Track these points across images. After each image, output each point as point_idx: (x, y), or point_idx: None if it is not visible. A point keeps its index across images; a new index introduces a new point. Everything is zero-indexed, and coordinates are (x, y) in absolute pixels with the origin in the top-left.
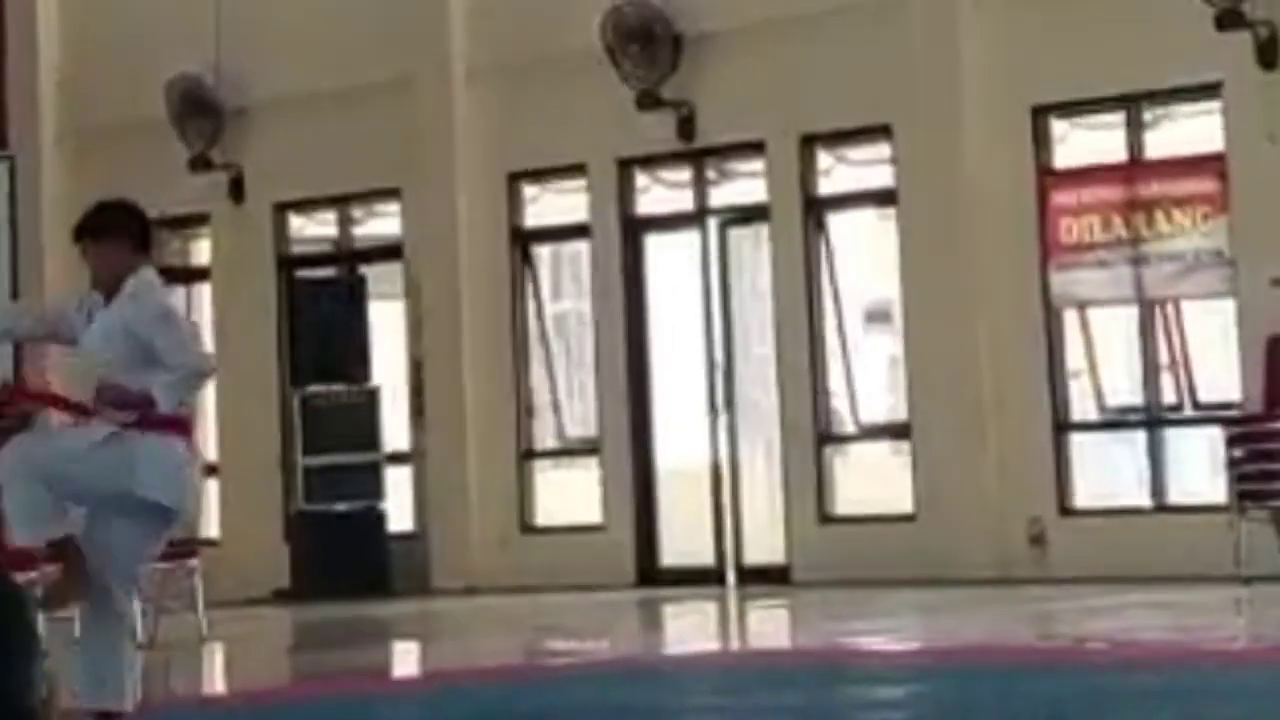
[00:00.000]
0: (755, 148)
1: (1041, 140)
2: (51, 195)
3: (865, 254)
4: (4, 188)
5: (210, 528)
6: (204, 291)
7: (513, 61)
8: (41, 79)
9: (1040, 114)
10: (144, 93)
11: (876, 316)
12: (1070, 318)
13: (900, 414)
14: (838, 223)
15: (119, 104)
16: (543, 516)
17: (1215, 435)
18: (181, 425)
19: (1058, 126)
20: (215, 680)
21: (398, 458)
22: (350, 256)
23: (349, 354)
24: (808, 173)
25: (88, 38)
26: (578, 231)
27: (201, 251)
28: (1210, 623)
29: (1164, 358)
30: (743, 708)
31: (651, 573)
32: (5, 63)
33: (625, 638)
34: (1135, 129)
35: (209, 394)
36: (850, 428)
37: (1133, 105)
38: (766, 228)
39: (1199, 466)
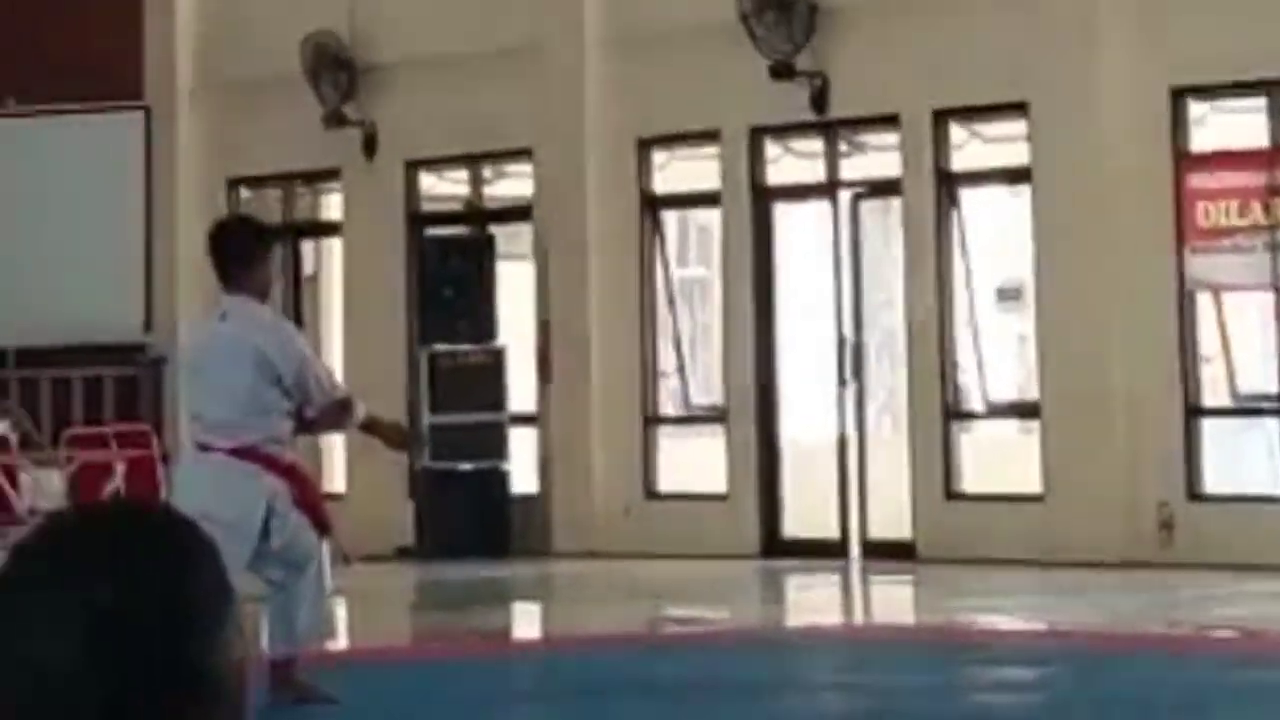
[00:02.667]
0: (889, 121)
1: (1179, 122)
2: (186, 148)
3: (997, 231)
4: (140, 138)
5: (336, 482)
6: (334, 247)
7: (646, 27)
8: (178, 32)
9: (1179, 96)
10: (279, 48)
11: (1007, 294)
12: (1204, 302)
13: (1030, 393)
14: (970, 199)
15: (254, 59)
16: (666, 483)
17: None
18: None
19: (1196, 109)
20: (338, 637)
21: (522, 419)
22: (480, 216)
23: (477, 313)
24: (941, 147)
25: None
26: (708, 199)
27: (333, 207)
28: None
29: None
30: (865, 684)
31: (774, 544)
32: (142, 16)
33: (747, 609)
34: (1275, 114)
35: (337, 350)
36: (978, 405)
37: (1273, 90)
38: (898, 202)
39: None
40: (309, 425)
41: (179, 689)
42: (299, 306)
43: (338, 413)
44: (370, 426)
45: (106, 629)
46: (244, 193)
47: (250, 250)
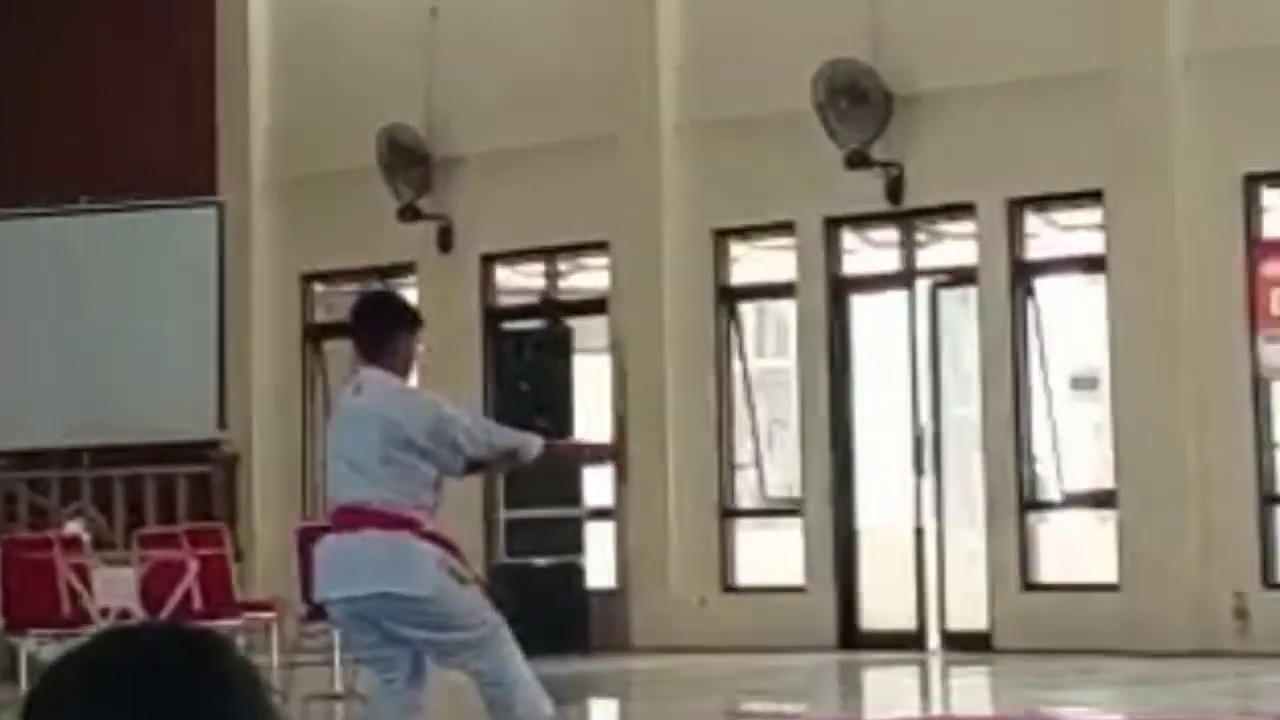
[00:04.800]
0: (964, 210)
1: (1252, 209)
2: (260, 243)
3: (1072, 319)
4: (214, 233)
5: None
6: None
7: (721, 118)
8: (253, 126)
9: (1251, 182)
10: (354, 141)
11: (1083, 383)
12: (1278, 390)
13: (1105, 482)
14: (1045, 287)
15: (329, 152)
16: (743, 576)
17: None
18: None
19: (1269, 196)
20: None
21: (599, 513)
22: (556, 309)
23: (553, 406)
24: (1016, 236)
25: (298, 86)
26: (784, 290)
27: (409, 301)
28: None
29: None
30: None
31: (852, 636)
32: (216, 110)
33: (825, 701)
34: None
35: None
36: (1054, 495)
37: None
38: (974, 290)
39: None
40: (480, 465)
41: None
42: None
43: (507, 459)
44: (552, 457)
45: None
46: (319, 288)
47: (391, 326)
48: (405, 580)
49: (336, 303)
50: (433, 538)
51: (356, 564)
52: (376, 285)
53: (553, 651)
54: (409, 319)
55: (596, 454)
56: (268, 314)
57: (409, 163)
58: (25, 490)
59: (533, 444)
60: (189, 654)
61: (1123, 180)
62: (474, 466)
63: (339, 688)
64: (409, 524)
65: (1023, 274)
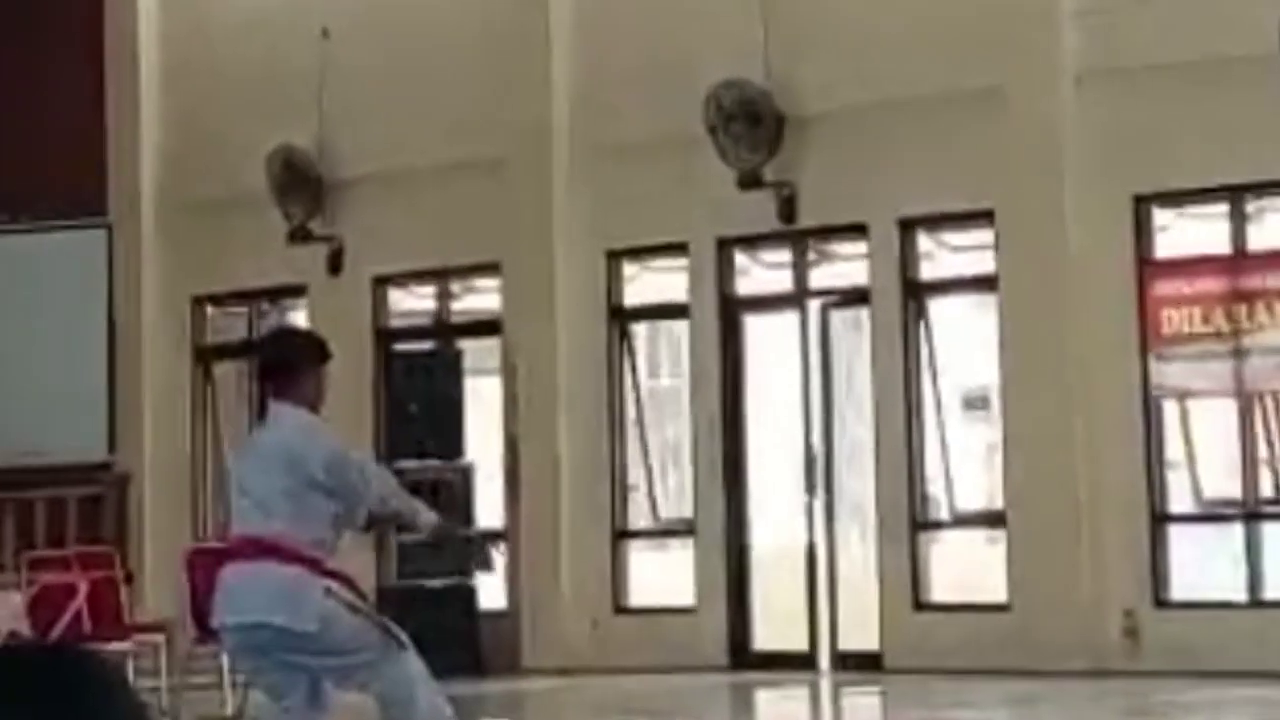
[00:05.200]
0: (856, 230)
1: (1143, 229)
2: (150, 265)
3: (964, 340)
4: (104, 254)
5: None
6: None
7: (613, 139)
8: (143, 147)
9: (1142, 203)
10: (245, 163)
11: (974, 403)
12: (1170, 409)
13: (997, 502)
14: (937, 308)
15: (220, 174)
16: (635, 597)
17: None
18: None
19: (1160, 216)
20: None
21: (491, 535)
22: (448, 330)
23: (444, 430)
24: (908, 256)
25: (189, 106)
26: (676, 310)
27: (299, 323)
28: None
29: (1263, 451)
30: None
31: (743, 656)
32: (106, 130)
33: None
34: (1238, 220)
35: None
36: (946, 514)
37: (1235, 196)
38: (866, 311)
39: None
40: (376, 523)
41: None
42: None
43: (396, 519)
44: (440, 537)
45: None
46: (209, 310)
47: (298, 360)
48: (290, 613)
49: (227, 325)
50: (330, 574)
51: (248, 592)
52: (269, 310)
53: (444, 674)
54: (315, 352)
55: (484, 556)
56: (158, 336)
57: (300, 184)
58: None
59: (425, 517)
60: (72, 675)
61: (1014, 200)
62: (371, 523)
63: (229, 710)
64: (307, 560)
65: (915, 294)
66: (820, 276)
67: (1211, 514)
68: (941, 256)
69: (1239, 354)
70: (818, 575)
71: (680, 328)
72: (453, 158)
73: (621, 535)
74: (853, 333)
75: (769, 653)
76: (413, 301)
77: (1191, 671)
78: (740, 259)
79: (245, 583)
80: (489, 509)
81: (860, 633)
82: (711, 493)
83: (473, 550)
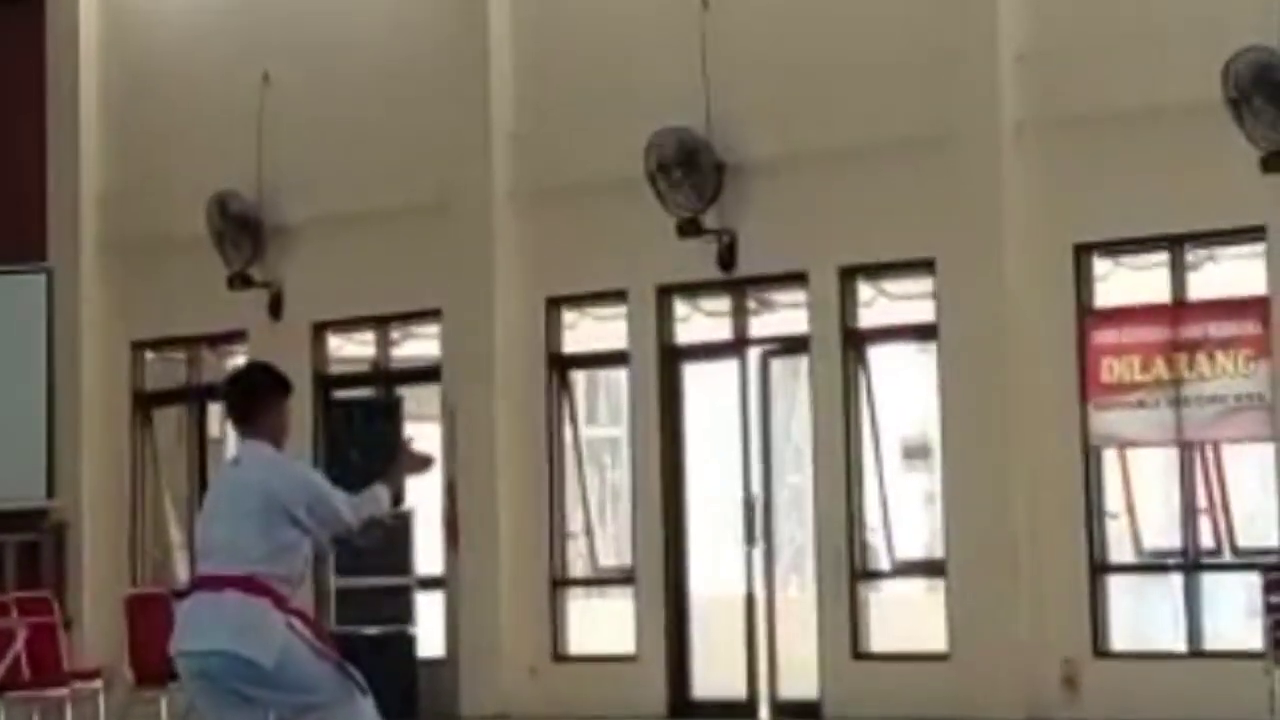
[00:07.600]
0: (796, 278)
1: (1083, 279)
2: (89, 310)
3: (904, 388)
4: (43, 299)
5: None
6: None
7: (554, 186)
8: (83, 192)
9: (1082, 252)
10: (185, 208)
11: (914, 452)
12: (1109, 458)
13: (936, 551)
14: (877, 356)
15: (160, 219)
16: (574, 645)
17: (1253, 581)
18: None
19: (1100, 265)
20: None
21: (429, 582)
22: (387, 377)
23: (383, 475)
24: (848, 305)
25: (129, 151)
26: (616, 358)
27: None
28: None
29: (1202, 501)
30: None
31: (683, 704)
32: (46, 176)
33: None
34: (1178, 270)
35: None
36: (885, 564)
37: (1176, 246)
38: (806, 359)
39: (1235, 612)
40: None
41: None
42: (204, 470)
43: (371, 524)
44: (398, 490)
45: None
46: (149, 355)
47: (261, 395)
48: (250, 644)
49: (166, 370)
50: (293, 612)
51: (209, 621)
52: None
53: None
54: (277, 386)
55: (422, 461)
56: (97, 381)
57: (239, 230)
58: None
59: (384, 499)
60: None
61: (954, 249)
62: (338, 538)
63: None
64: (272, 596)
65: (854, 342)
66: (760, 325)
67: (1151, 564)
68: (881, 305)
69: (1179, 403)
70: (757, 623)
71: (620, 375)
72: (393, 204)
73: (561, 583)
74: (792, 381)
75: (708, 701)
76: (353, 348)
77: None
78: (680, 307)
79: (208, 611)
80: (428, 555)
81: (800, 681)
82: (651, 541)
83: (416, 465)
